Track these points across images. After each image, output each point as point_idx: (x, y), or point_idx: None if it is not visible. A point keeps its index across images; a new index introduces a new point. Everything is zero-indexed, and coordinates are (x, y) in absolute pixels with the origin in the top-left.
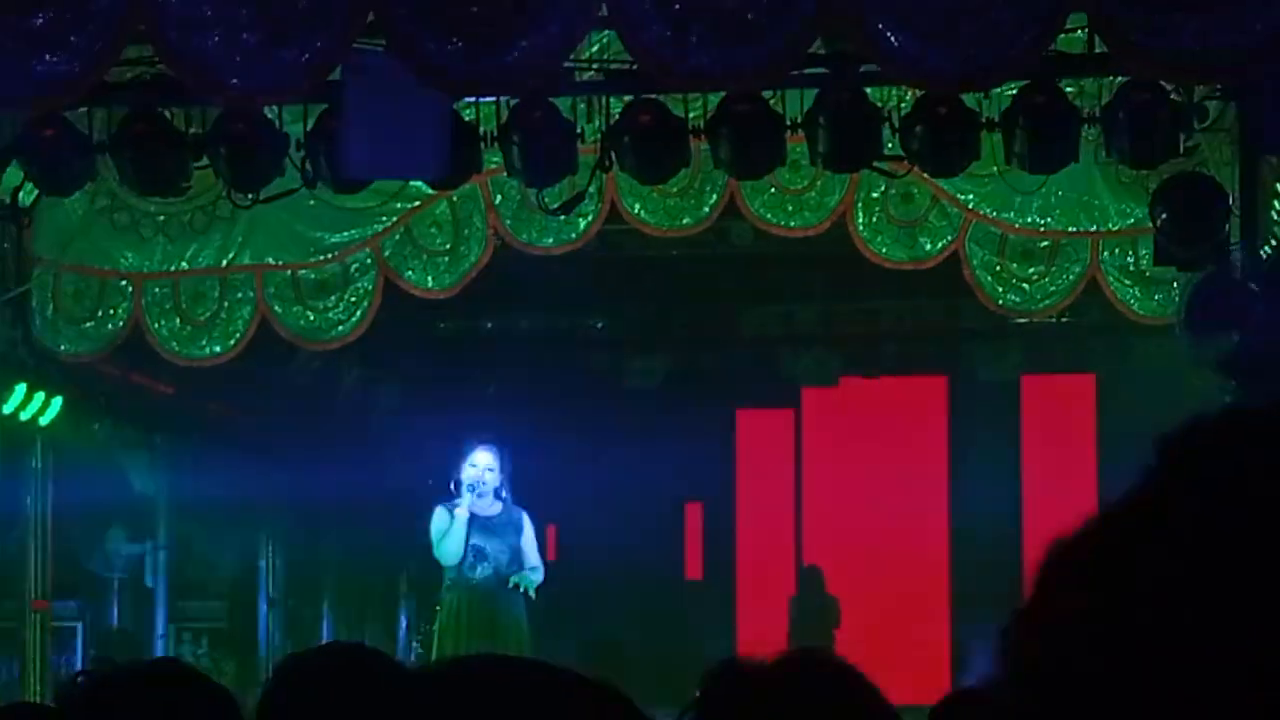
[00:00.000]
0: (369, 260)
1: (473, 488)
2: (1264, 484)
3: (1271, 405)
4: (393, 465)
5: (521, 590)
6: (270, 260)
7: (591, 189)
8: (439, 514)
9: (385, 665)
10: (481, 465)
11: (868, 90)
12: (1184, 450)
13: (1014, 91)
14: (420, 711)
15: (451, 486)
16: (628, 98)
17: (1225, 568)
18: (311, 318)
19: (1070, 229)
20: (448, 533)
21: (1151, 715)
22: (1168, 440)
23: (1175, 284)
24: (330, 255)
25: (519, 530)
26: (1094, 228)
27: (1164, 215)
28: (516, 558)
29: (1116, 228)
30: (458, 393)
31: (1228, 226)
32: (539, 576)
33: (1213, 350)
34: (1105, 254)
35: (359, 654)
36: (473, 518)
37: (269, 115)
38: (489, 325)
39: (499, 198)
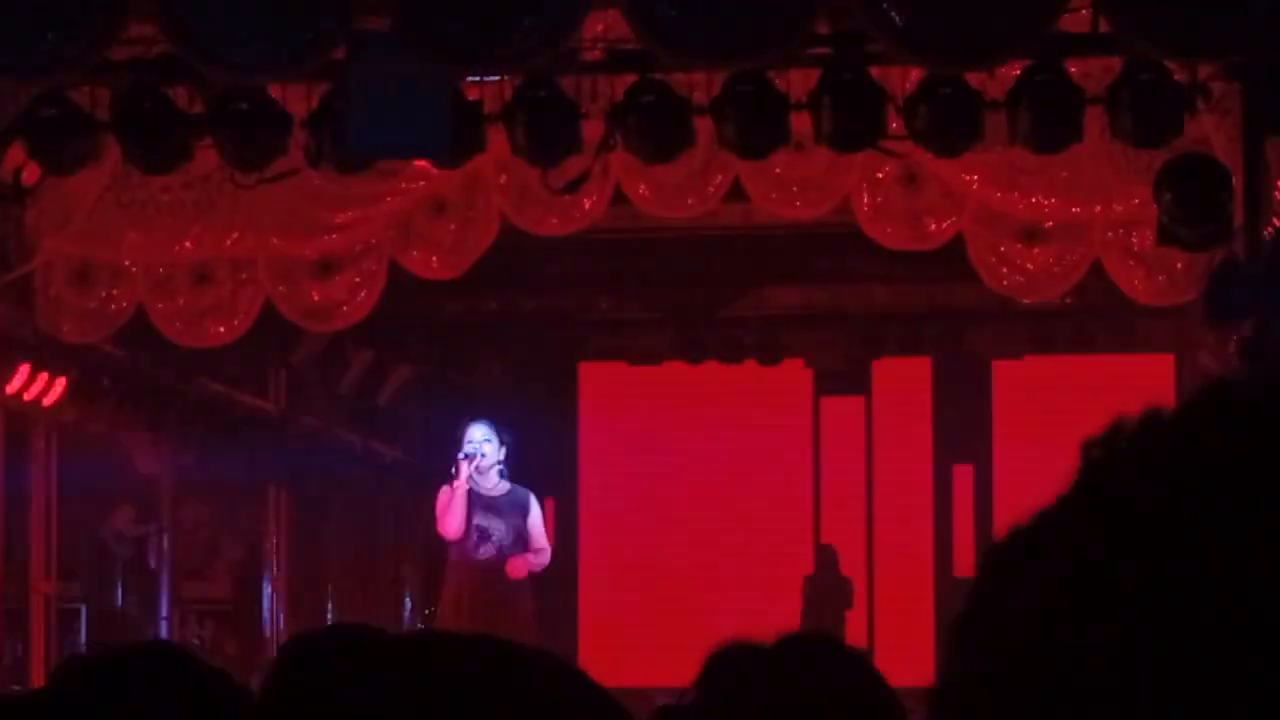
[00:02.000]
0: (373, 241)
1: (469, 457)
2: (1179, 486)
3: (1191, 407)
4: (398, 446)
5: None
6: (274, 241)
7: (595, 169)
8: (443, 492)
9: (390, 645)
10: (478, 439)
11: (872, 70)
12: (1105, 453)
13: (1018, 72)
14: (423, 695)
15: (453, 467)
16: (632, 77)
17: (1144, 570)
18: (316, 298)
19: (1074, 210)
20: (448, 506)
21: (1091, 714)
22: (1091, 442)
23: (1179, 265)
24: (335, 236)
25: (524, 510)
26: (1098, 208)
27: (1167, 196)
28: (521, 538)
29: (1120, 208)
30: (463, 374)
31: (1231, 207)
32: (543, 559)
33: (1231, 334)
34: (1109, 235)
35: (364, 634)
36: (476, 496)
37: (272, 94)
38: (494, 306)
39: (503, 178)
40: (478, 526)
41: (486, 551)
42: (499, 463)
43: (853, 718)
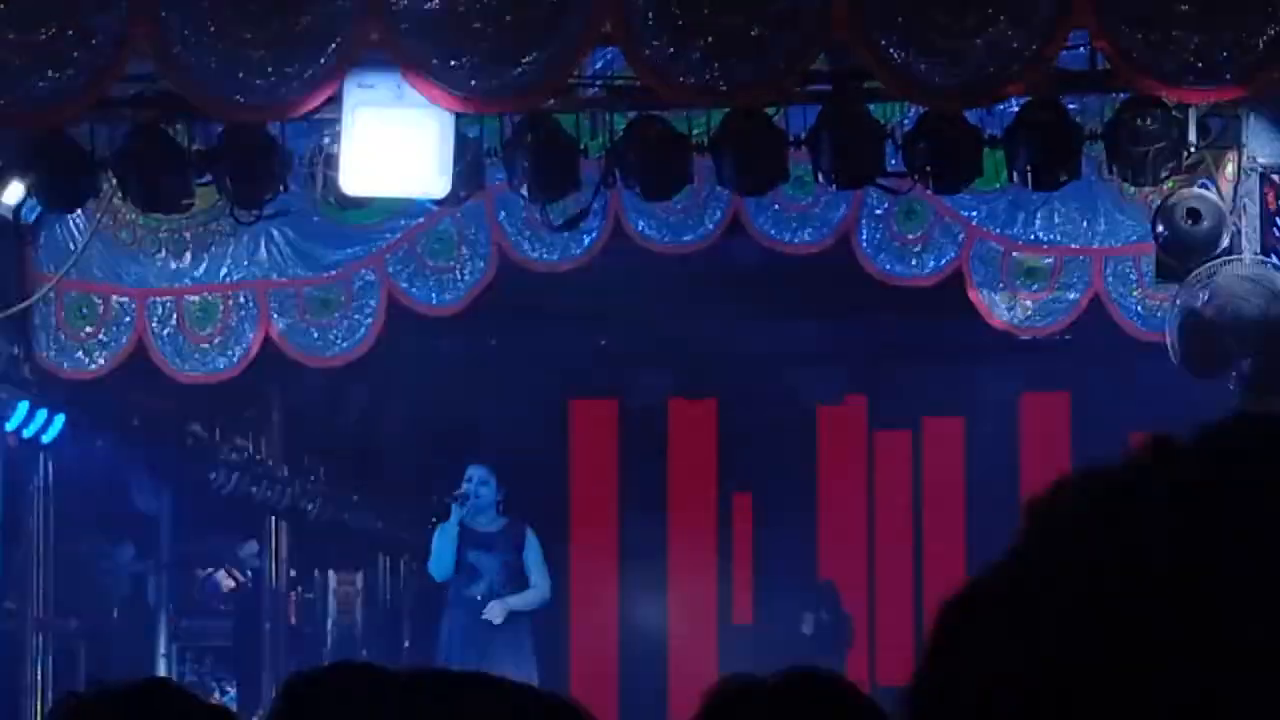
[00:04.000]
0: (372, 277)
1: (461, 501)
2: (1114, 548)
3: (1129, 466)
4: (397, 483)
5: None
6: (273, 277)
7: (595, 205)
8: (438, 531)
9: (390, 683)
10: (475, 480)
11: (870, 106)
12: (1045, 515)
13: (1016, 108)
14: None
15: (451, 503)
16: (631, 114)
17: (1071, 639)
18: (315, 335)
19: (1072, 246)
20: (437, 547)
21: None
22: (1032, 503)
23: (1178, 301)
24: (334, 272)
25: (519, 547)
26: (1096, 245)
27: (1165, 232)
28: (514, 575)
29: (1119, 245)
30: (463, 410)
31: (1229, 244)
32: (536, 596)
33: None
34: (1108, 271)
35: (364, 673)
36: (468, 534)
37: (272, 132)
38: (493, 342)
39: (503, 214)
40: (468, 565)
41: (477, 589)
42: (497, 501)
43: None
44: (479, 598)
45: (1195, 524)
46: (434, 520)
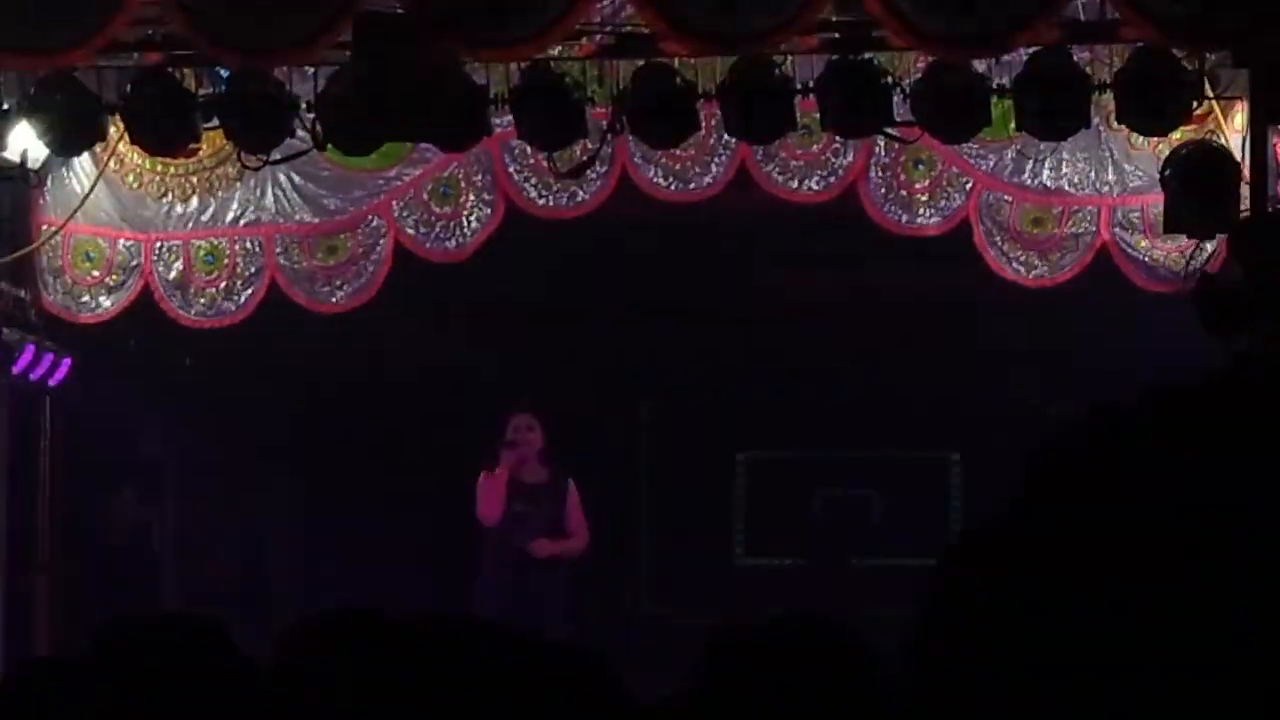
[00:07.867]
0: (378, 223)
1: (511, 446)
2: (1114, 519)
3: (1128, 419)
4: (407, 431)
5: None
6: (280, 222)
7: (602, 152)
8: (483, 477)
9: (390, 630)
10: (522, 428)
11: (879, 56)
12: (1045, 477)
13: (1026, 57)
14: (427, 677)
15: (496, 454)
16: (639, 62)
17: (1073, 600)
18: (321, 280)
19: (1080, 195)
20: (489, 493)
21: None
22: (1030, 465)
23: (1183, 255)
24: (340, 217)
25: (562, 498)
26: (1105, 194)
27: (1174, 183)
28: (558, 527)
29: (1127, 194)
30: (471, 357)
31: (1238, 195)
32: (575, 545)
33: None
34: (1115, 221)
35: (363, 619)
36: (517, 484)
37: (279, 76)
38: (500, 291)
39: (509, 161)
40: (516, 513)
41: (522, 539)
42: (540, 450)
43: (851, 695)
44: (522, 548)
45: (1190, 474)
46: (484, 466)
